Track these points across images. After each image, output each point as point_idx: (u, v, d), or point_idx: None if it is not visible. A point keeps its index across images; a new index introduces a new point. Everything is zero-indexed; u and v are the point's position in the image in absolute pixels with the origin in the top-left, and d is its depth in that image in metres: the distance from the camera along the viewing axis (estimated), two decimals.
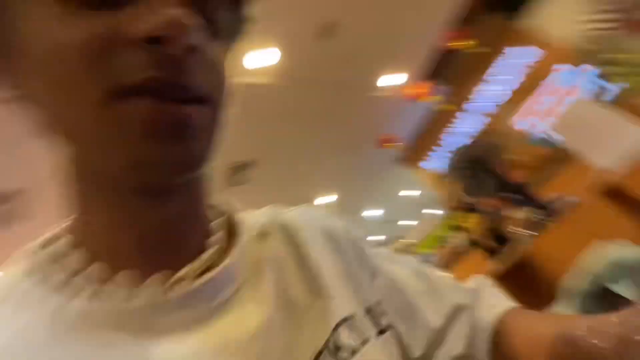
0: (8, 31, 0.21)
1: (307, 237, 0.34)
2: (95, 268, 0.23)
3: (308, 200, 3.73)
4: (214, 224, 0.29)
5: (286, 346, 0.27)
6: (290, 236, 0.33)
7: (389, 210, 5.57)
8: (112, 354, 0.22)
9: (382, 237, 5.07)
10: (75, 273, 0.23)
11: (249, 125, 2.42)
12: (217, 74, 0.23)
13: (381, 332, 0.32)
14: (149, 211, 0.24)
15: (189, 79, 0.21)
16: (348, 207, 4.57)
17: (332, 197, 4.08)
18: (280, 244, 0.32)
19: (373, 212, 5.42)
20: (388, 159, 3.85)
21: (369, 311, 0.32)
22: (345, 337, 0.29)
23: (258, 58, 2.06)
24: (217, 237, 0.28)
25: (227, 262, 0.27)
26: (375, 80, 2.89)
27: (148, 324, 0.23)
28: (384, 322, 0.32)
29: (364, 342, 0.29)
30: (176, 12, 0.19)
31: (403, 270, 0.38)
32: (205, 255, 0.26)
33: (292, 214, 0.36)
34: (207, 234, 0.28)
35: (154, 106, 0.20)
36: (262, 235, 0.32)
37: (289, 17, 1.99)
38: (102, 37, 0.19)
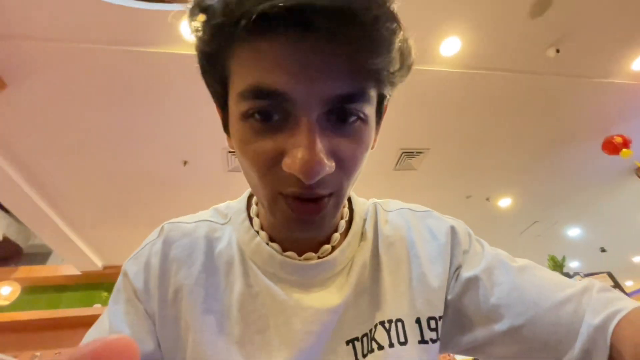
0: (226, 114, 0.35)
1: (391, 244, 0.43)
2: (264, 233, 0.42)
3: (476, 197, 3.44)
4: (340, 225, 0.42)
5: (348, 323, 0.39)
6: (375, 246, 0.43)
7: (601, 233, 4.39)
8: (260, 277, 0.40)
9: (579, 264, 4.06)
10: (252, 222, 0.43)
11: (432, 113, 2.44)
12: (347, 170, 0.32)
13: (423, 342, 0.38)
14: (298, 235, 0.39)
15: (318, 191, 0.31)
16: (528, 214, 3.91)
17: (507, 201, 3.60)
18: (368, 250, 0.43)
19: (572, 230, 4.38)
20: (612, 167, 3.04)
21: (418, 321, 0.39)
22: (378, 335, 0.38)
23: (451, 45, 2.05)
24: (335, 237, 0.42)
25: (331, 256, 0.41)
26: (611, 64, 2.31)
27: (279, 272, 0.40)
28: (427, 336, 0.39)
29: (402, 343, 0.38)
30: (310, 159, 0.28)
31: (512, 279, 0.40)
32: (325, 247, 0.41)
33: (390, 217, 0.46)
34: (335, 228, 0.42)
35: (296, 206, 0.32)
36: (361, 236, 0.44)
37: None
38: (267, 159, 0.30)
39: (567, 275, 3.24)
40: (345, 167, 0.32)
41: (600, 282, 0.38)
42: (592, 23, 2.05)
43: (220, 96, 0.34)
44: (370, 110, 0.32)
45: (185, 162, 2.51)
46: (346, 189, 0.34)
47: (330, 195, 0.32)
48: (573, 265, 5.41)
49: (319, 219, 0.33)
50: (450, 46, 2.07)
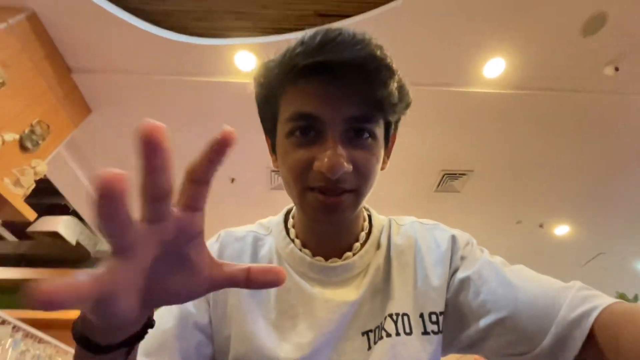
0: (273, 139, 0.46)
1: (401, 252, 0.51)
2: (298, 241, 0.51)
3: (528, 223, 3.22)
4: (360, 236, 0.51)
5: (363, 316, 0.47)
6: (388, 253, 0.51)
7: None
8: (293, 275, 0.49)
9: None
10: (289, 232, 0.52)
11: (476, 134, 2.39)
12: (362, 174, 0.42)
13: (425, 333, 0.45)
14: (322, 227, 0.49)
15: (340, 186, 0.41)
16: (592, 244, 3.55)
17: (564, 228, 3.31)
18: (382, 256, 0.51)
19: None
20: None
21: (421, 316, 0.46)
22: (387, 325, 0.45)
23: (495, 66, 2.03)
24: (356, 246, 0.50)
25: (351, 260, 0.49)
26: None
27: (307, 272, 0.49)
28: (429, 328, 0.46)
29: (407, 333, 0.45)
30: (334, 160, 0.38)
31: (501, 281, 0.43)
32: (347, 254, 0.50)
33: (402, 230, 0.54)
34: (356, 238, 0.51)
35: (322, 197, 0.41)
36: (377, 245, 0.52)
37: (548, 14, 1.84)
38: (302, 164, 0.41)
39: None
40: (360, 170, 0.42)
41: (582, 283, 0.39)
42: None
43: (271, 124, 0.46)
44: (378, 130, 0.43)
45: (232, 180, 2.70)
46: (362, 189, 0.43)
47: (350, 191, 0.42)
48: None
49: (339, 209, 0.42)
50: (494, 67, 2.04)
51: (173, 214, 0.22)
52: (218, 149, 0.22)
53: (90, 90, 2.09)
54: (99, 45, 1.89)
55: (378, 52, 0.39)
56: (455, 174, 2.70)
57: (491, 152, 2.54)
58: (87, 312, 0.21)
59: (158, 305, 0.25)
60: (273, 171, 2.57)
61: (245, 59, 1.94)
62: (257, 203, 2.91)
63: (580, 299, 0.37)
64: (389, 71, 0.40)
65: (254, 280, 0.24)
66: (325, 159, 0.39)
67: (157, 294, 0.24)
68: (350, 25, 1.84)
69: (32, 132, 1.78)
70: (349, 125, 0.40)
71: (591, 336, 0.34)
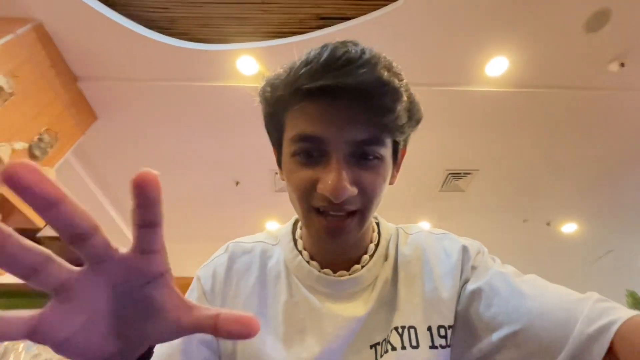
0: (280, 154, 0.46)
1: (408, 262, 0.50)
2: (306, 253, 0.51)
3: (535, 222, 3.19)
4: (369, 248, 0.50)
5: (371, 330, 0.46)
6: (395, 264, 0.51)
7: None
8: (301, 289, 0.49)
9: None
10: (296, 243, 0.52)
11: (480, 134, 2.38)
12: (367, 195, 0.41)
13: (433, 347, 0.44)
14: (329, 245, 0.48)
15: (345, 207, 0.41)
16: (601, 242, 3.50)
17: (571, 226, 3.27)
18: (390, 268, 0.50)
19: None
20: None
21: (429, 329, 0.45)
22: (392, 338, 0.45)
23: (497, 65, 2.02)
24: (364, 258, 0.50)
25: (359, 274, 0.49)
26: None
27: (315, 285, 0.49)
28: (437, 342, 0.44)
29: (414, 347, 0.44)
30: (338, 184, 0.38)
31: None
32: (355, 267, 0.49)
33: (410, 240, 0.53)
34: (365, 250, 0.50)
35: (325, 222, 0.42)
36: (385, 257, 0.51)
37: (550, 13, 1.82)
38: (307, 184, 0.41)
39: None
40: (366, 192, 0.41)
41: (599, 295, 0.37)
42: None
43: (277, 140, 0.46)
44: (385, 151, 0.42)
45: (237, 183, 2.72)
46: (368, 210, 0.43)
47: (355, 213, 0.42)
48: None
49: (344, 231, 0.42)
50: (497, 66, 2.03)
51: (116, 256, 0.21)
52: (139, 194, 0.19)
53: (96, 97, 2.12)
54: (103, 53, 1.92)
55: (385, 75, 0.38)
56: (460, 174, 2.69)
57: (496, 151, 2.52)
58: (53, 350, 0.21)
59: (136, 345, 0.24)
60: (277, 174, 2.58)
61: (248, 63, 1.95)
62: (261, 206, 2.93)
63: (598, 311, 0.35)
64: (396, 94, 0.39)
65: (222, 329, 0.23)
66: (329, 182, 0.39)
67: (128, 334, 0.23)
68: (351, 28, 1.84)
69: (41, 140, 1.81)
70: (353, 147, 0.40)
71: (610, 351, 0.33)
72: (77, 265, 0.22)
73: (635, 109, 2.26)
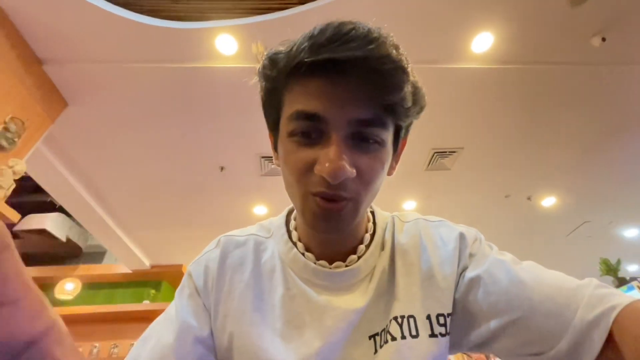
0: (276, 136, 0.44)
1: (405, 251, 0.49)
2: (301, 244, 0.49)
3: (516, 197, 3.28)
4: (364, 238, 0.49)
5: (370, 321, 0.45)
6: (392, 253, 0.49)
7: None
8: (297, 282, 0.47)
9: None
10: (291, 235, 0.50)
11: (465, 112, 2.38)
12: (364, 181, 0.39)
13: (432, 335, 0.43)
14: (323, 230, 0.44)
15: (340, 193, 0.39)
16: (577, 214, 3.65)
17: (551, 200, 3.39)
18: (386, 258, 0.49)
19: (629, 231, 4.02)
20: None
21: (428, 317, 0.44)
22: (392, 329, 0.44)
23: (482, 41, 1.99)
24: (360, 249, 0.48)
25: (356, 265, 0.47)
26: None
27: (312, 278, 0.47)
28: (437, 331, 0.43)
29: (414, 336, 0.43)
30: (336, 164, 0.36)
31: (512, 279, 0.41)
32: (352, 257, 0.48)
33: (405, 228, 0.52)
34: (361, 240, 0.49)
35: (322, 204, 0.39)
36: (382, 246, 0.50)
37: None
38: (304, 165, 0.39)
39: (623, 280, 2.97)
40: (363, 177, 0.39)
41: (598, 281, 0.38)
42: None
43: (274, 121, 0.44)
44: (386, 135, 0.40)
45: (222, 168, 2.65)
46: (364, 197, 0.41)
47: (350, 199, 0.40)
48: (632, 269, 4.94)
49: (339, 218, 0.40)
50: (482, 42, 2.01)
51: None
52: None
53: (64, 81, 1.99)
54: (69, 33, 1.78)
55: (394, 52, 0.36)
56: (446, 152, 2.70)
57: (480, 129, 2.54)
58: None
59: None
60: (263, 157, 2.53)
61: (227, 42, 1.85)
62: (247, 191, 2.88)
63: (597, 298, 0.35)
64: (405, 74, 0.37)
65: None
66: (327, 163, 0.37)
67: None
68: (334, 3, 1.76)
69: (6, 129, 1.69)
70: (354, 128, 0.38)
71: (610, 337, 0.33)
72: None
73: (615, 84, 2.30)
